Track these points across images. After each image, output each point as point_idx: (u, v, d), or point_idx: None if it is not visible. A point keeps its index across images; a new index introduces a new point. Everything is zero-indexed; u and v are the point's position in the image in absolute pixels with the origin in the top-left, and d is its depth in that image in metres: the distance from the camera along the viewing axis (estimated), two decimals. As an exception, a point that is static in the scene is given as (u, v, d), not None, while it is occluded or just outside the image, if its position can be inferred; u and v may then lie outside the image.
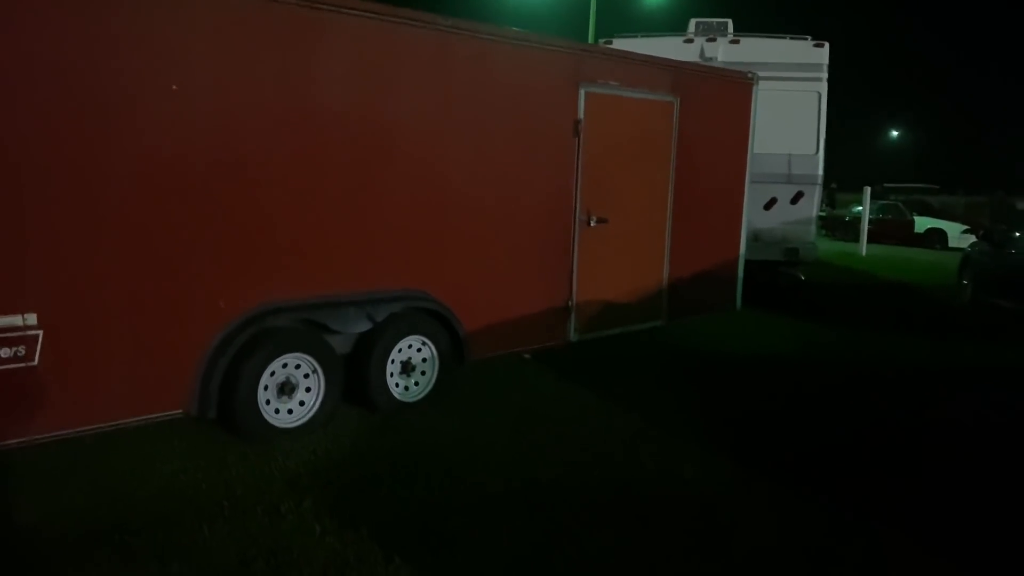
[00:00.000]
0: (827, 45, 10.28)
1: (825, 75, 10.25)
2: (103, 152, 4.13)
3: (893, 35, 62.69)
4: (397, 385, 5.56)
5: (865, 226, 19.54)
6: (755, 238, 9.84)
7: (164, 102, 4.32)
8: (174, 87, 4.35)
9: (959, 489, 4.48)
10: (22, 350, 3.98)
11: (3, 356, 3.92)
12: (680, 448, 4.95)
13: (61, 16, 3.94)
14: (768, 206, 10.17)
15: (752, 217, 9.20)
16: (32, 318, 3.99)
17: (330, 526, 3.73)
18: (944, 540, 3.84)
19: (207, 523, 3.71)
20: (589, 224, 6.70)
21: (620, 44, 10.20)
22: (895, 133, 60.40)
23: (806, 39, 10.39)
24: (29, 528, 3.64)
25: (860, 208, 20.58)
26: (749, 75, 8.22)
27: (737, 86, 8.15)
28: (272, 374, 4.87)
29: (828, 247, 19.77)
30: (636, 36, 10.59)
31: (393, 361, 5.51)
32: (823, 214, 25.27)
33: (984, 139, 55.75)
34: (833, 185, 30.09)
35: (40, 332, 4.01)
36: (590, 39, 20.26)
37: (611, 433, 5.22)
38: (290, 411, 4.99)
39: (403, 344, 5.54)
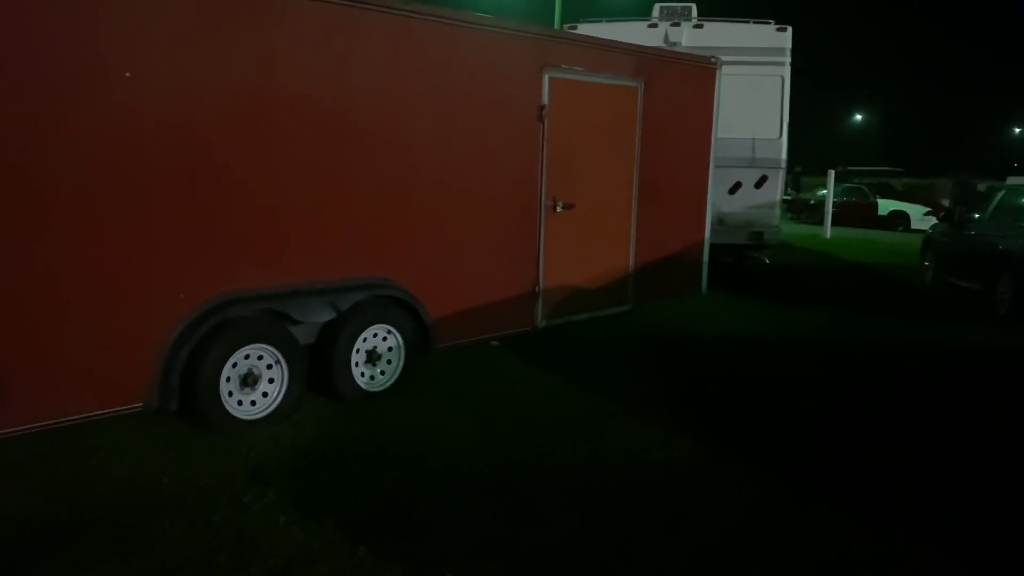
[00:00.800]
0: (790, 29, 10.34)
1: (788, 59, 10.31)
2: (54, 140, 4.03)
3: (858, 17, 63.30)
4: (363, 375, 5.53)
5: (829, 209, 19.78)
6: (720, 222, 9.90)
7: (116, 88, 4.22)
8: (127, 74, 4.26)
9: (918, 460, 4.56)
10: (-26, 344, 3.89)
11: (-46, 350, 3.84)
12: (646, 431, 4.98)
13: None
14: (733, 190, 10.23)
15: (717, 201, 9.26)
16: (-16, 311, 3.90)
17: (295, 517, 3.70)
18: (902, 508, 3.90)
19: (168, 516, 3.67)
20: (555, 210, 6.69)
21: (585, 29, 10.19)
22: (859, 117, 61.14)
23: (769, 23, 10.43)
24: (-15, 525, 3.57)
25: (824, 191, 20.82)
26: (712, 60, 8.24)
27: (701, 71, 8.18)
28: (234, 365, 4.81)
29: (793, 230, 20.02)
30: (600, 21, 10.59)
31: (358, 350, 5.47)
32: (788, 197, 25.54)
33: (949, 121, 56.59)
34: (798, 169, 30.39)
35: (-8, 325, 3.92)
36: (556, 24, 20.22)
37: (578, 417, 5.23)
38: (253, 402, 4.94)
39: (368, 333, 5.51)
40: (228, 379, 4.78)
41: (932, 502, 4.08)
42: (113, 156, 4.24)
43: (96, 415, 4.31)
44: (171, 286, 4.53)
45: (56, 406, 4.17)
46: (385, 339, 5.63)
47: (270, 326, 4.98)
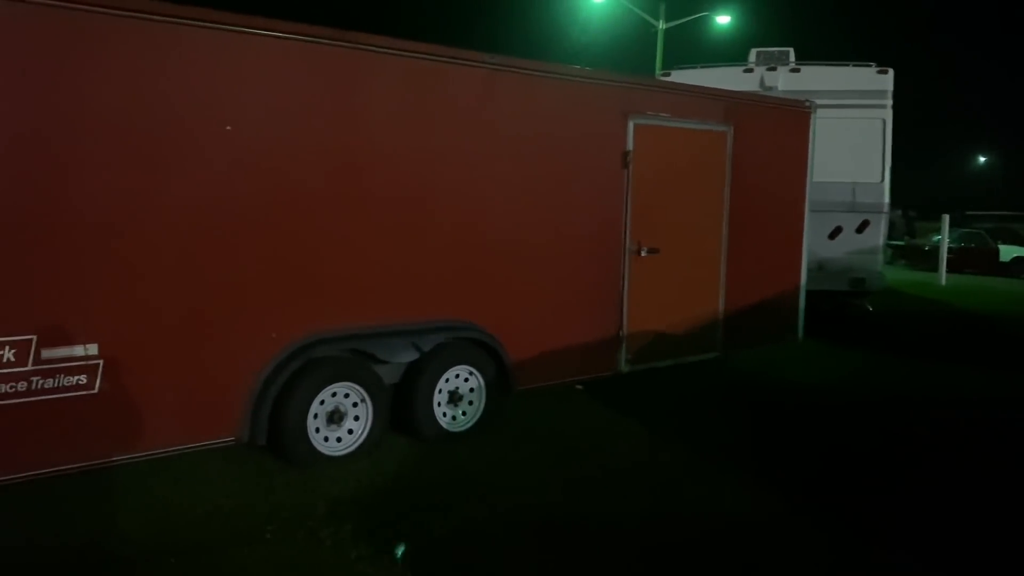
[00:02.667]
0: (891, 72, 10.09)
1: (890, 102, 10.05)
2: (160, 191, 4.37)
3: (975, 57, 60.73)
4: (444, 415, 5.64)
5: (944, 254, 18.86)
6: (819, 268, 9.64)
7: (218, 141, 4.54)
8: (228, 127, 4.58)
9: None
10: (83, 379, 4.20)
11: (66, 384, 4.15)
12: (725, 484, 4.87)
13: (126, 70, 4.22)
14: (833, 235, 9.97)
15: (816, 246, 9.03)
16: (93, 348, 4.22)
17: (365, 552, 3.80)
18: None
19: (249, 546, 3.84)
20: (640, 254, 6.69)
21: (678, 75, 10.24)
22: (982, 159, 58.24)
23: (870, 66, 10.21)
24: (80, 548, 3.82)
25: (939, 237, 19.88)
26: (806, 103, 8.12)
27: (794, 114, 8.06)
28: (322, 403, 5.01)
29: (906, 277, 19.17)
30: (695, 67, 10.61)
31: (440, 391, 5.59)
32: (901, 243, 24.51)
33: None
34: (912, 213, 29.16)
35: (100, 361, 4.23)
36: (657, 71, 20.30)
37: (656, 467, 5.17)
38: (339, 439, 5.12)
39: (450, 374, 5.63)
40: (315, 415, 4.97)
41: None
42: (214, 204, 4.55)
43: (191, 447, 4.57)
44: (263, 326, 4.77)
45: (154, 438, 4.44)
46: (467, 380, 5.74)
47: (357, 365, 5.16)
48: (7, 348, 3.97)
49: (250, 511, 4.29)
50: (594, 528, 4.15)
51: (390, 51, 5.15)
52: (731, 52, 22.51)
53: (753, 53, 10.86)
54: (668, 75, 10.48)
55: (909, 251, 24.34)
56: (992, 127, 59.05)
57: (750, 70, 10.42)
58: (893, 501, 4.65)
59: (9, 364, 3.98)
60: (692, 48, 24.73)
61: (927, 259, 22.21)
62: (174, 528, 4.05)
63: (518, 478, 4.86)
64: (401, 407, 5.44)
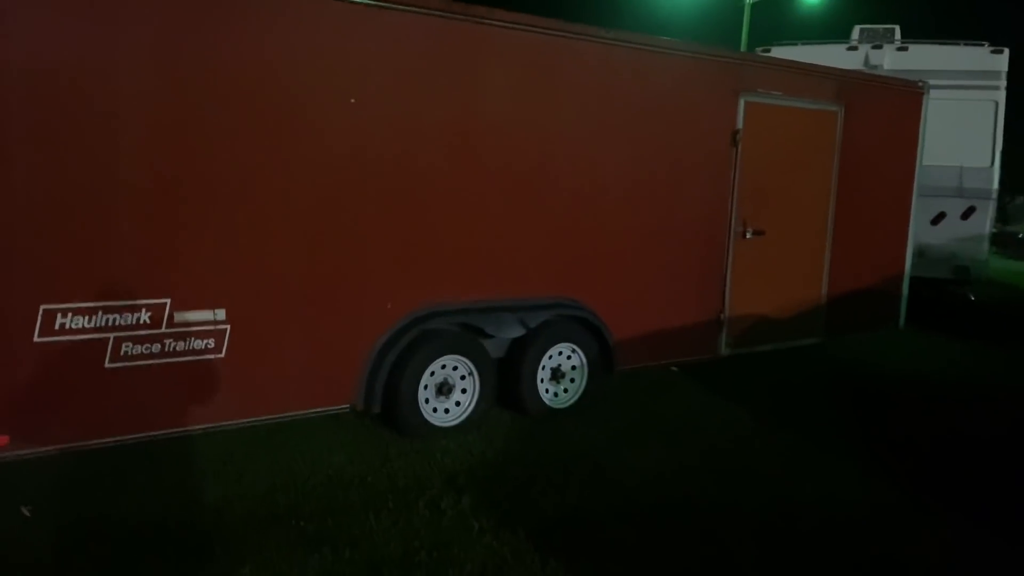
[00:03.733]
0: (1007, 52, 9.61)
1: (1004, 83, 9.59)
2: (288, 161, 4.45)
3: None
4: (547, 391, 5.65)
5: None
6: (921, 254, 9.31)
7: (343, 114, 4.59)
8: (352, 100, 4.62)
9: None
10: (212, 342, 4.33)
11: (196, 347, 4.29)
12: (840, 471, 4.78)
13: (258, 41, 4.29)
14: (936, 221, 9.62)
15: (918, 232, 8.72)
16: (222, 313, 4.34)
17: (487, 524, 3.84)
18: None
19: (373, 513, 3.92)
20: (745, 236, 6.57)
21: (779, 52, 9.95)
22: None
23: (983, 45, 9.75)
24: (214, 507, 3.96)
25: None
26: (919, 84, 7.81)
27: (906, 95, 7.77)
28: (432, 374, 5.07)
29: (999, 265, 18.43)
30: (796, 44, 10.29)
31: (544, 367, 5.60)
32: (994, 230, 23.54)
33: None
34: (1007, 198, 27.92)
35: (228, 326, 4.35)
36: (742, 46, 19.80)
37: (766, 451, 5.10)
38: (447, 410, 5.18)
39: (554, 351, 5.62)
40: (426, 387, 5.04)
41: None
42: (339, 176, 4.62)
43: (310, 412, 4.68)
44: (381, 297, 4.84)
45: (277, 402, 4.57)
46: (570, 358, 5.73)
47: (466, 339, 5.20)
48: (144, 310, 4.11)
49: (369, 479, 4.38)
50: (714, 515, 4.11)
51: (510, 25, 5.11)
52: (819, 29, 21.83)
53: (856, 30, 10.47)
54: (768, 51, 10.18)
55: (1001, 238, 23.36)
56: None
57: (854, 48, 10.06)
58: (1012, 493, 4.49)
59: (145, 326, 4.12)
60: (777, 24, 24.04)
61: (1021, 247, 21.34)
62: (299, 492, 4.16)
63: (625, 458, 4.85)
64: (506, 381, 5.47)
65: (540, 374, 5.58)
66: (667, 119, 6.02)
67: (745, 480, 4.59)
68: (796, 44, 10.24)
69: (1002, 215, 25.77)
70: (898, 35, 10.20)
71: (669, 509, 4.16)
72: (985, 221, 9.65)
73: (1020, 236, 21.93)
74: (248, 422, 4.50)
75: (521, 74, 5.24)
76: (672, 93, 6.03)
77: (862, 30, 10.39)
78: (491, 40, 5.08)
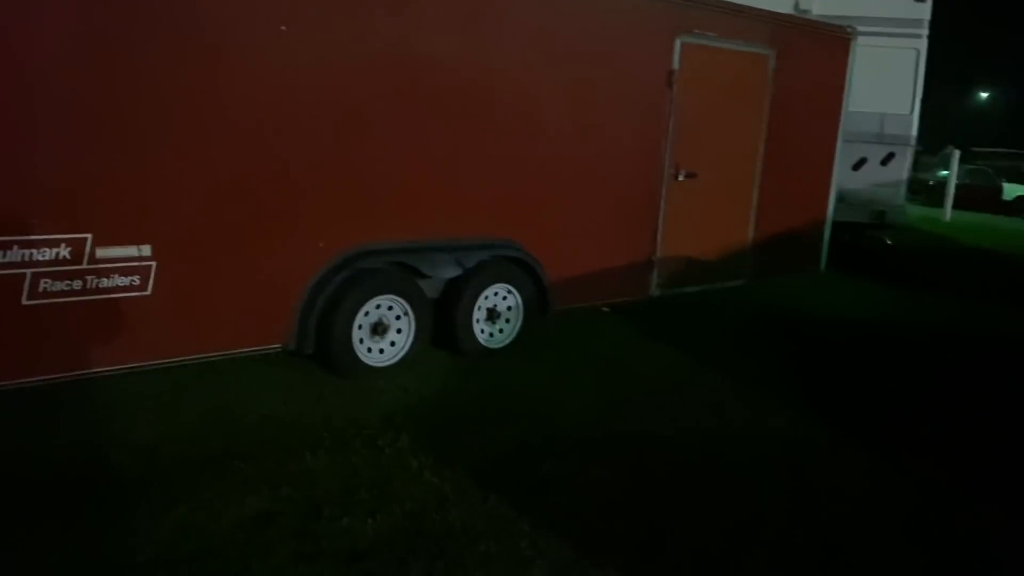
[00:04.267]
0: (929, 1, 9.83)
1: (926, 31, 9.83)
2: (214, 93, 4.26)
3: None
4: (483, 331, 5.65)
5: (951, 190, 18.85)
6: (842, 199, 9.56)
7: (272, 43, 4.40)
8: (282, 27, 4.42)
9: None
10: (137, 279, 4.16)
11: (119, 284, 4.12)
12: (766, 406, 4.94)
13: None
14: (857, 166, 9.89)
15: (840, 177, 8.97)
16: (147, 249, 4.17)
17: (426, 462, 3.85)
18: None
19: (310, 452, 3.87)
20: (677, 178, 6.63)
21: (711, -7, 9.92)
22: (984, 95, 57.62)
23: (908, -7, 9.95)
24: (146, 448, 3.85)
25: (945, 172, 19.82)
26: (848, 30, 7.93)
27: (835, 41, 7.89)
28: (366, 314, 5.00)
29: (912, 212, 19.18)
30: (728, -15, 10.28)
31: (480, 308, 5.58)
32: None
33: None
34: (920, 148, 28.87)
35: (154, 263, 4.19)
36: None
37: (695, 388, 5.23)
38: (381, 350, 5.13)
39: (490, 291, 5.61)
40: (360, 327, 4.97)
41: None
42: (269, 108, 4.44)
43: (241, 352, 4.58)
44: (312, 236, 4.73)
45: (207, 341, 4.46)
46: (505, 298, 5.73)
47: (401, 279, 5.14)
48: (63, 245, 3.92)
49: (304, 418, 4.33)
50: (647, 449, 4.21)
51: (447, -44, 4.96)
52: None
53: (788, -27, 10.53)
54: (700, -8, 10.15)
55: (912, 185, 24.24)
56: (995, 64, 58.19)
57: (784, -9, 10.12)
58: (931, 423, 4.75)
59: (64, 261, 3.93)
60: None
61: (931, 194, 22.22)
62: (234, 432, 4.08)
63: (562, 396, 4.91)
64: (442, 322, 5.45)
65: (476, 314, 5.57)
66: (604, 59, 5.97)
67: (675, 414, 4.71)
68: (728, -14, 10.22)
69: (915, 164, 26.67)
70: (828, -21, 10.29)
71: (603, 442, 4.24)
72: (903, 167, 9.97)
73: (931, 183, 22.79)
74: (177, 361, 4.37)
75: (459, 9, 5.11)
76: (609, 33, 5.97)
77: (793, -27, 10.44)
78: (428, -30, 4.93)
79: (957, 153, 19.07)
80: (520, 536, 3.25)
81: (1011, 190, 21.81)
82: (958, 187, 20.48)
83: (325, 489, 3.54)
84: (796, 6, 9.85)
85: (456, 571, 2.98)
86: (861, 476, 4.06)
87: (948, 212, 18.60)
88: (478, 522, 3.35)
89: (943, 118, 47.87)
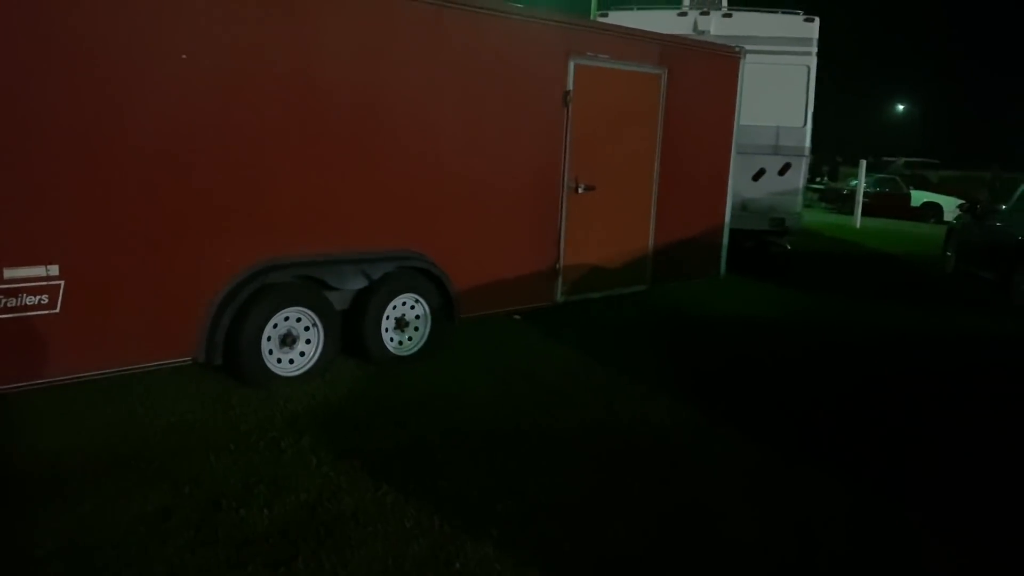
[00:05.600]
0: (817, 20, 10.51)
1: (815, 49, 10.49)
2: (120, 118, 4.48)
3: (898, 9, 62.14)
4: (392, 340, 5.94)
5: (860, 198, 19.80)
6: (743, 207, 10.15)
7: (175, 70, 4.65)
8: (183, 56, 4.68)
9: (908, 434, 4.87)
10: (45, 298, 4.34)
11: (28, 303, 4.29)
12: (652, 399, 5.33)
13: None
14: (756, 177, 10.47)
15: (740, 187, 9.53)
16: (55, 269, 4.36)
17: (325, 459, 4.12)
18: (886, 475, 4.23)
19: (214, 454, 4.11)
20: (577, 191, 7.03)
21: (615, 17, 10.45)
22: (900, 107, 60.23)
23: (798, 14, 10.62)
24: (54, 455, 4.03)
25: (856, 181, 20.80)
26: (736, 49, 8.49)
27: (724, 60, 8.43)
28: (275, 326, 5.24)
29: (824, 219, 20.10)
30: (632, 8, 10.84)
31: (388, 317, 5.87)
32: (821, 187, 25.49)
33: (990, 115, 55.51)
34: (838, 158, 30.13)
35: (62, 282, 4.38)
36: (592, 11, 20.38)
37: (589, 386, 5.60)
38: (291, 361, 5.38)
39: (397, 301, 5.91)
40: (269, 338, 5.21)
41: (914, 470, 4.39)
42: (171, 131, 4.68)
43: (151, 366, 4.78)
44: (218, 252, 4.96)
45: (116, 356, 4.63)
46: (413, 308, 6.03)
47: (308, 291, 5.40)
48: (-30, 267, 4.09)
49: (211, 424, 4.55)
50: (536, 439, 4.55)
51: (342, -15, 5.28)
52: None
53: (687, -3, 11.14)
54: (606, 16, 10.67)
55: (828, 194, 25.36)
56: (911, 76, 60.88)
57: (684, 14, 10.70)
58: (804, 415, 5.19)
59: (-28, 283, 4.11)
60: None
61: (845, 202, 23.23)
62: (141, 439, 4.29)
63: (463, 397, 5.23)
64: (351, 332, 5.72)
65: (384, 323, 5.85)
66: (501, 79, 6.35)
67: (567, 409, 5.08)
68: (632, 9, 10.78)
69: (832, 174, 27.85)
70: (724, 2, 10.93)
71: (498, 435, 4.57)
72: (799, 176, 10.59)
73: (844, 192, 23.83)
74: (87, 376, 4.55)
75: (356, 31, 5.41)
76: (505, 54, 6.36)
77: (692, -3, 11.05)
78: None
79: (863, 163, 20.03)
80: (406, 517, 3.55)
81: (918, 196, 22.96)
82: (871, 195, 21.50)
83: (225, 486, 3.79)
84: (695, 27, 10.45)
85: (343, 548, 3.27)
86: (726, 456, 4.46)
87: (858, 219, 19.50)
88: (369, 507, 3.64)
89: (861, 130, 49.92)
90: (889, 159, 28.14)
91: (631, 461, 4.34)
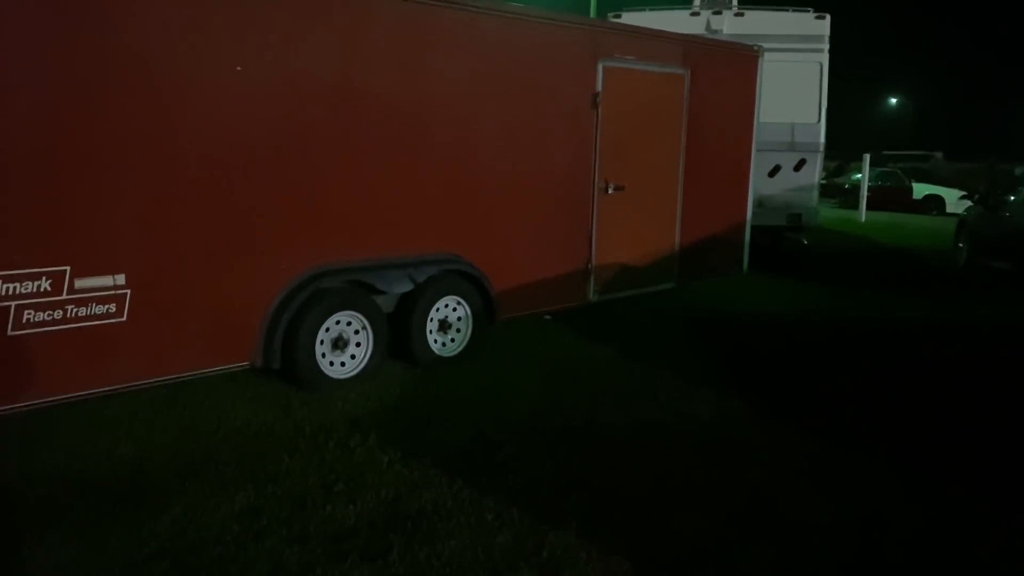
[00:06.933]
0: (828, 17, 10.67)
1: (826, 46, 10.65)
2: (181, 130, 4.61)
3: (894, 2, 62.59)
4: (436, 341, 6.06)
5: (864, 193, 19.98)
6: (760, 204, 10.28)
7: (230, 82, 4.77)
8: (238, 68, 4.80)
9: (946, 417, 5.01)
10: (113, 307, 4.46)
11: (97, 312, 4.41)
12: (695, 394, 5.45)
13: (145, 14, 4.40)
14: (772, 173, 10.61)
15: (757, 184, 9.64)
16: (121, 278, 4.47)
17: (395, 457, 4.24)
18: (938, 465, 4.37)
19: (287, 455, 4.23)
20: (607, 191, 7.15)
21: (628, 18, 10.59)
22: (894, 100, 60.56)
23: (808, 11, 10.77)
24: (132, 460, 4.15)
25: (859, 175, 21.00)
26: (755, 48, 8.63)
27: (744, 58, 8.57)
28: (327, 330, 5.36)
29: (828, 214, 20.23)
30: (644, 9, 10.97)
31: (432, 319, 6.00)
32: (823, 182, 25.67)
33: (986, 106, 55.93)
34: (842, 161, 30.35)
35: (128, 291, 4.50)
36: (591, 12, 20.53)
37: (632, 381, 5.73)
38: (343, 364, 5.50)
39: (440, 304, 6.03)
40: (322, 342, 5.33)
41: (968, 454, 4.53)
42: (229, 142, 4.81)
43: (211, 371, 4.90)
44: (274, 259, 5.08)
45: (180, 362, 4.76)
46: (455, 309, 6.15)
47: (358, 295, 5.52)
48: (44, 278, 4.20)
49: (277, 427, 4.67)
50: (591, 435, 4.67)
51: (386, -5, 5.41)
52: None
53: (698, -4, 11.28)
54: (619, 17, 10.81)
55: (830, 189, 25.54)
56: (905, 70, 61.26)
57: (696, 13, 10.85)
58: (850, 402, 5.33)
59: (46, 293, 4.22)
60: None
61: (847, 196, 23.43)
62: (213, 443, 4.40)
63: (511, 395, 5.35)
64: (397, 334, 5.84)
65: (429, 326, 5.98)
66: (533, 83, 6.47)
67: (615, 405, 5.20)
68: (644, 10, 10.92)
69: (839, 169, 28.06)
70: (735, 1, 11.08)
71: (552, 432, 4.69)
72: (814, 172, 10.75)
73: (847, 187, 24.03)
74: (151, 382, 4.66)
75: (397, 41, 5.54)
76: (537, 58, 6.49)
77: (703, -3, 11.20)
78: (366, 9, 5.36)
79: (867, 157, 20.22)
80: (486, 510, 3.67)
81: (920, 189, 23.15)
82: (873, 189, 21.68)
83: (306, 484, 3.90)
84: (708, 27, 10.59)
85: (433, 540, 3.38)
86: (777, 446, 4.59)
87: (863, 214, 19.68)
88: (448, 502, 3.75)
89: (856, 124, 50.16)
90: (890, 153, 28.33)
91: (687, 454, 4.45)
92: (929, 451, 4.57)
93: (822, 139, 10.71)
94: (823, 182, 25.50)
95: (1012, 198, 10.89)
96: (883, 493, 3.99)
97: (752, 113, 8.69)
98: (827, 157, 24.48)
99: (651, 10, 11.01)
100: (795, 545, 3.48)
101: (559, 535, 3.46)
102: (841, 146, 31.03)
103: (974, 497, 3.98)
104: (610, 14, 11.30)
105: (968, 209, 12.73)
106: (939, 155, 27.24)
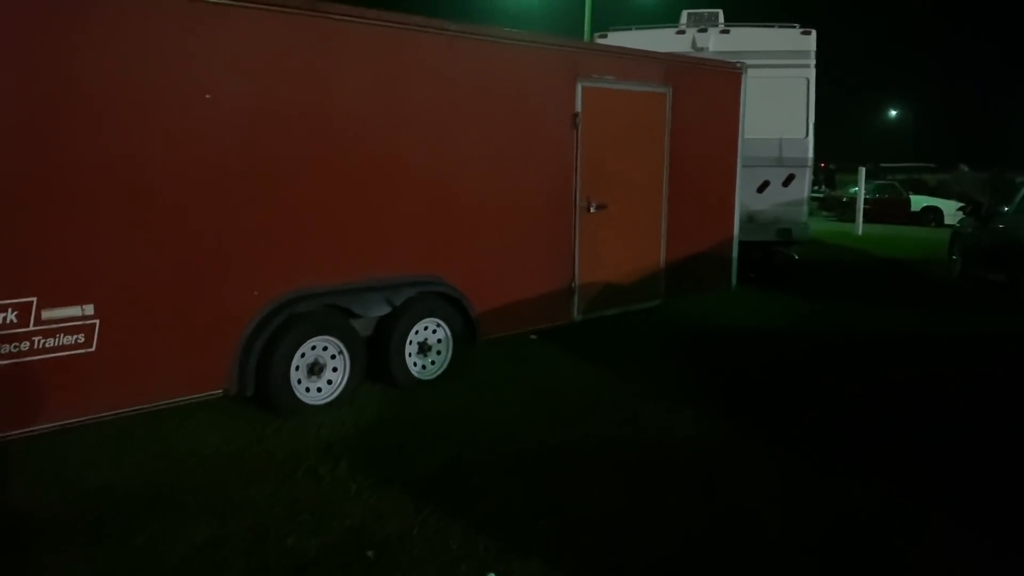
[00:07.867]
0: (814, 33, 10.67)
1: (813, 61, 10.64)
2: (149, 159, 4.59)
3: (889, 15, 62.83)
4: (415, 364, 6.02)
5: (860, 205, 19.94)
6: (749, 219, 10.25)
7: (200, 110, 4.76)
8: (207, 96, 4.79)
9: (936, 431, 4.94)
10: (81, 337, 4.43)
11: (65, 343, 4.38)
12: (676, 412, 5.40)
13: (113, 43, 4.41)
14: (761, 188, 10.58)
15: (746, 199, 9.63)
16: (90, 308, 4.45)
17: (364, 484, 4.19)
18: (910, 477, 4.30)
19: (254, 485, 4.18)
20: (589, 210, 7.13)
21: (615, 37, 10.63)
22: (893, 112, 60.64)
23: (794, 27, 10.78)
24: (98, 490, 4.10)
25: (856, 188, 20.97)
26: (738, 65, 8.63)
27: (727, 75, 8.57)
28: (302, 355, 5.33)
29: (825, 227, 20.21)
30: (630, 29, 11.01)
31: (411, 342, 5.96)
32: (820, 195, 25.67)
33: (983, 117, 55.96)
34: (832, 166, 30.40)
35: (97, 321, 4.47)
36: (585, 34, 20.63)
37: (612, 402, 5.67)
38: (319, 389, 5.46)
39: (420, 326, 6.00)
40: (297, 368, 5.30)
41: (934, 470, 4.46)
42: (199, 170, 4.79)
43: (183, 400, 4.86)
44: (246, 285, 5.05)
45: (150, 392, 4.72)
46: (435, 332, 6.12)
47: (333, 320, 5.49)
48: (10, 310, 4.18)
49: (248, 455, 4.62)
50: (567, 456, 4.62)
51: (359, 20, 5.40)
52: (655, 13, 22.97)
53: (684, 15, 11.28)
54: (605, 36, 10.84)
55: (827, 202, 25.54)
56: (902, 82, 61.41)
57: (682, 31, 10.87)
58: (835, 420, 5.26)
59: (12, 325, 4.19)
60: (616, 9, 25.11)
61: (845, 209, 23.40)
62: (181, 472, 4.36)
63: (490, 417, 5.30)
64: (375, 358, 5.80)
65: (408, 348, 5.94)
66: (513, 104, 6.47)
67: (594, 427, 5.14)
68: (630, 29, 10.95)
69: (830, 181, 28.09)
70: (721, 19, 11.09)
71: (528, 453, 4.65)
72: (803, 187, 10.71)
73: (844, 200, 23.99)
74: (123, 412, 4.62)
75: (372, 65, 5.54)
76: (515, 80, 6.49)
77: (689, 15, 11.21)
78: (340, 34, 5.35)
79: (863, 170, 20.19)
80: (451, 539, 3.61)
81: (917, 201, 23.11)
82: (871, 202, 21.65)
83: (270, 515, 3.85)
84: (693, 45, 10.61)
85: (392, 572, 3.33)
86: (756, 464, 4.53)
87: (860, 226, 19.63)
88: (413, 530, 3.70)
89: (860, 137, 50.21)
90: (887, 165, 28.32)
91: (663, 473, 4.40)
92: (914, 470, 4.50)
93: (810, 154, 10.69)
94: (821, 195, 25.64)
95: (1004, 209, 10.84)
96: (862, 514, 3.93)
97: (736, 129, 8.68)
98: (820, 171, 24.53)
99: (637, 29, 11.05)
100: (769, 569, 3.41)
101: (524, 563, 3.40)
102: (844, 159, 31.10)
103: (958, 525, 3.91)
104: (596, 34, 11.36)
105: (961, 221, 12.68)
106: (964, 167, 27.08)
